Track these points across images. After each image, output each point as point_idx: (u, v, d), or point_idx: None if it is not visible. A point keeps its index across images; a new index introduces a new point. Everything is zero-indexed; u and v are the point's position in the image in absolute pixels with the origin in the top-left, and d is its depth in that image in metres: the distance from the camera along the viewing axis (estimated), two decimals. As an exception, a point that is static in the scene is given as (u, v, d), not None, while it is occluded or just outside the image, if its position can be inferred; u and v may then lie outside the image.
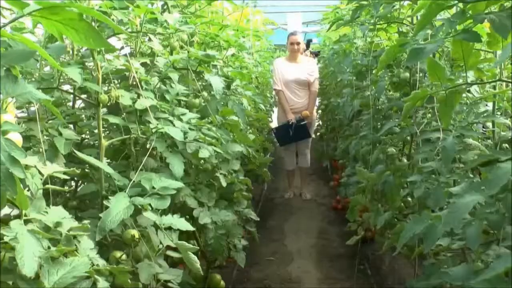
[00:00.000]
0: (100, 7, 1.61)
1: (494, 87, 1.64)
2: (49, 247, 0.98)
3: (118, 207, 1.44)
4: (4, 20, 1.58)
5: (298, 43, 5.07)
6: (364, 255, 3.70)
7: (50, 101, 1.06)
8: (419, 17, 2.29)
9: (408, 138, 2.41)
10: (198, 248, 1.60)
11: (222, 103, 2.39)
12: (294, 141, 5.15)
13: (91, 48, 1.45)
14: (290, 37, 5.11)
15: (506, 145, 1.91)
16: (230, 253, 2.46)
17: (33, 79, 1.75)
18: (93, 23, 1.33)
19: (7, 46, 1.00)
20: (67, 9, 0.78)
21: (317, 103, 5.72)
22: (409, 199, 2.36)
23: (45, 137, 1.63)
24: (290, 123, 4.98)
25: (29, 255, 0.87)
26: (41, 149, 1.54)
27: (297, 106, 5.12)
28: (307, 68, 5.10)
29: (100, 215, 1.44)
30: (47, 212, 1.06)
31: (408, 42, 1.22)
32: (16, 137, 0.96)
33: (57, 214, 1.07)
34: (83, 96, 1.96)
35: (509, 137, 1.61)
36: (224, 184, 2.17)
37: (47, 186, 1.13)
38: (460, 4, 1.19)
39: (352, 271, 3.58)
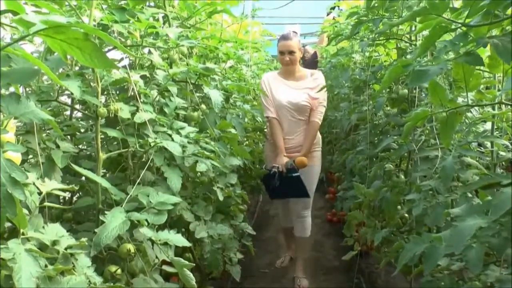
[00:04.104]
0: (101, 20, 1.61)
1: (493, 107, 1.65)
2: (46, 266, 0.96)
3: (114, 222, 1.43)
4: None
5: (291, 52, 3.33)
6: (359, 269, 3.68)
7: (52, 119, 1.04)
8: (420, 38, 2.31)
9: (406, 154, 2.41)
10: (194, 264, 1.59)
11: (220, 115, 2.38)
12: (285, 197, 3.48)
13: (95, 68, 1.44)
14: (280, 43, 3.38)
15: (503, 162, 1.92)
16: (225, 266, 2.44)
17: (29, 91, 1.74)
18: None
19: (8, 62, 0.98)
20: (72, 28, 0.77)
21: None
22: (407, 215, 2.36)
23: (42, 149, 1.61)
24: (272, 172, 3.21)
25: (26, 275, 0.86)
26: (38, 161, 1.53)
27: (291, 145, 3.40)
28: (310, 88, 3.35)
29: (96, 230, 1.42)
30: (44, 229, 1.05)
31: (411, 64, 1.23)
32: (15, 155, 0.95)
33: (54, 232, 1.06)
34: (82, 107, 1.96)
35: (508, 158, 1.61)
36: (221, 198, 2.16)
37: (44, 204, 1.12)
38: (463, 27, 1.19)
39: (347, 285, 3.57)
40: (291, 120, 3.38)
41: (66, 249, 1.07)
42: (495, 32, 1.25)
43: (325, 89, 3.33)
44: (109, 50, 1.80)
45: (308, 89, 3.36)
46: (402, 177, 2.46)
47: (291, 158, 3.30)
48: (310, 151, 3.41)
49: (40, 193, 1.15)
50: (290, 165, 3.22)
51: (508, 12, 1.01)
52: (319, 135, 3.53)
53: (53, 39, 0.80)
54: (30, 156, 1.64)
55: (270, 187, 3.31)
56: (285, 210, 3.76)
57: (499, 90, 1.51)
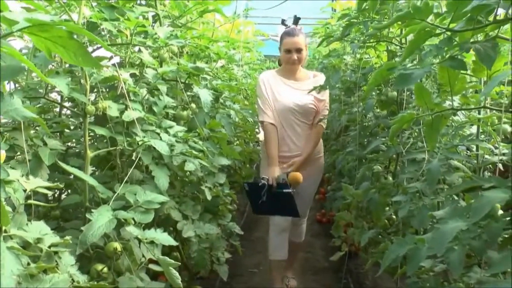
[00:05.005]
0: (90, 17, 1.61)
1: (479, 112, 1.67)
2: (29, 264, 0.96)
3: (100, 220, 1.43)
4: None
5: (298, 50, 3.05)
6: (348, 270, 3.70)
7: (38, 117, 1.04)
8: (407, 41, 2.33)
9: (394, 156, 2.43)
10: (180, 263, 1.59)
11: (210, 115, 2.38)
12: (271, 214, 3.10)
13: (80, 66, 1.44)
14: (286, 40, 3.05)
15: (490, 166, 1.94)
16: (213, 265, 2.45)
17: (19, 88, 1.74)
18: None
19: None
20: (57, 27, 0.77)
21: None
22: (394, 217, 2.37)
23: (29, 146, 1.61)
24: (261, 184, 2.87)
25: (7, 273, 0.86)
26: (25, 159, 1.53)
27: (296, 153, 3.11)
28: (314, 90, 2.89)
29: (82, 228, 1.42)
30: (28, 227, 1.05)
31: (396, 67, 1.24)
32: (-1, 152, 0.95)
33: (38, 230, 1.06)
34: (71, 105, 1.95)
35: (492, 161, 1.63)
36: (209, 197, 2.16)
37: (29, 201, 1.11)
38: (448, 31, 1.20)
39: (335, 285, 3.59)
40: (296, 124, 3.10)
41: (50, 247, 1.07)
42: (480, 37, 1.26)
43: (328, 91, 3.06)
44: (98, 48, 1.79)
45: (313, 91, 2.96)
46: (390, 178, 2.47)
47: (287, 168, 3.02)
48: (315, 158, 3.22)
49: (25, 191, 1.15)
50: (282, 179, 2.89)
51: (491, 18, 1.03)
52: (321, 141, 3.29)
53: (37, 37, 0.80)
54: (18, 154, 1.64)
55: (255, 200, 2.92)
56: (278, 235, 3.19)
57: (484, 94, 1.53)
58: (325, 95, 3.13)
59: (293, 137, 3.10)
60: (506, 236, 1.22)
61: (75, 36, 0.87)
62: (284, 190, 2.82)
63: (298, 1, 7.34)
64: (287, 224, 3.20)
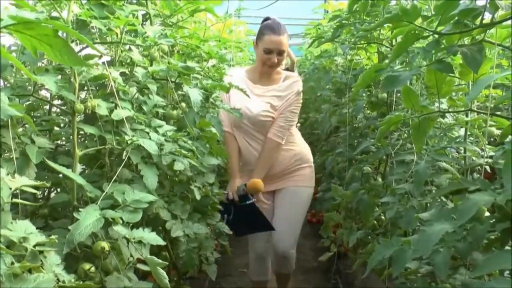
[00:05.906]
0: (79, 15, 1.60)
1: (466, 114, 1.69)
2: (12, 263, 0.95)
3: (88, 219, 1.42)
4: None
5: (280, 52, 2.59)
6: (337, 270, 3.72)
7: (24, 114, 1.03)
8: (396, 42, 2.34)
9: (384, 157, 2.45)
10: (167, 263, 1.59)
11: (200, 114, 2.38)
12: (250, 232, 2.79)
13: (65, 64, 1.43)
14: (269, 37, 2.57)
15: (479, 167, 1.96)
16: (202, 265, 2.44)
17: (8, 85, 1.72)
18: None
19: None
20: (43, 25, 0.77)
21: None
22: (383, 217, 2.39)
23: (17, 144, 1.59)
24: (227, 201, 2.58)
25: (-9, 272, 0.85)
26: (12, 157, 1.52)
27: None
28: (277, 96, 2.63)
29: (69, 227, 1.41)
30: (12, 226, 1.04)
31: (384, 69, 1.24)
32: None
33: (23, 229, 1.05)
34: (59, 103, 1.94)
35: (479, 164, 1.65)
36: (198, 197, 2.16)
37: (15, 200, 1.11)
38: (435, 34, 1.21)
39: (324, 285, 3.60)
40: (254, 136, 2.70)
41: (35, 246, 1.06)
42: (467, 41, 1.27)
43: (295, 97, 2.65)
44: (87, 46, 1.78)
45: (274, 98, 2.61)
46: (380, 180, 2.49)
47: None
48: (295, 169, 2.79)
49: (11, 189, 1.14)
50: (242, 190, 2.56)
51: (477, 22, 1.04)
52: (304, 150, 2.84)
53: (23, 35, 0.79)
54: (6, 152, 1.62)
55: (229, 220, 2.58)
56: (259, 257, 2.92)
57: (472, 97, 1.54)
58: (290, 93, 2.62)
59: (259, 149, 2.71)
60: (491, 238, 1.23)
61: (63, 35, 0.86)
62: (247, 202, 2.55)
63: (290, 1, 7.36)
64: (266, 248, 2.88)
